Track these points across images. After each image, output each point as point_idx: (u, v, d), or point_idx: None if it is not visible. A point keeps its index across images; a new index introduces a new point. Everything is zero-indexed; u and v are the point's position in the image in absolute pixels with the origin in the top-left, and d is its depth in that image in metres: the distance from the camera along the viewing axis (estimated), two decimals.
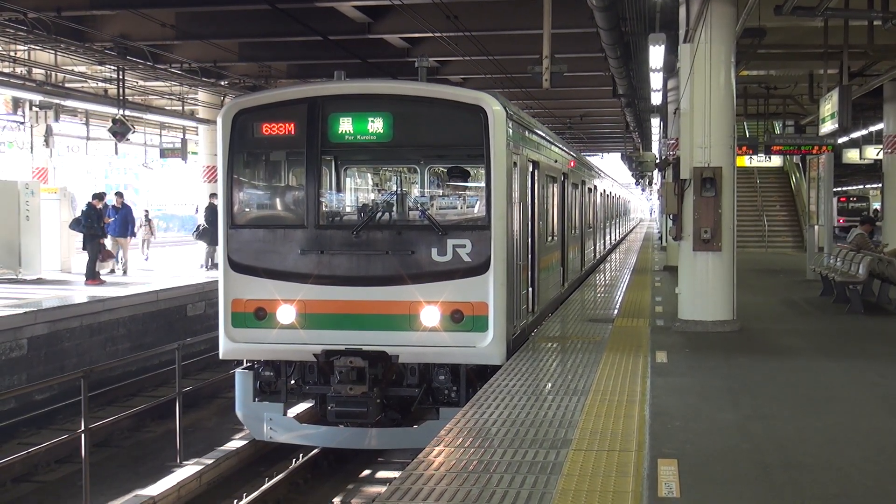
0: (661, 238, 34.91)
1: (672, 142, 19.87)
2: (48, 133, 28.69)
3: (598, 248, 25.76)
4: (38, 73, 25.68)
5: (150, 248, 30.36)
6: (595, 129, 46.16)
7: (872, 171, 42.14)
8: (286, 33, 21.00)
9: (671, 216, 13.76)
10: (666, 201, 13.76)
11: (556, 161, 15.56)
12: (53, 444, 10.49)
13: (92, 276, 20.73)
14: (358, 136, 10.66)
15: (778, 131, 36.18)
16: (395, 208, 11.47)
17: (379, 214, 10.93)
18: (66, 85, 27.36)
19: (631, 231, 56.27)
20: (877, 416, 8.36)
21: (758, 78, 26.90)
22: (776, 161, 34.50)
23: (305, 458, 11.54)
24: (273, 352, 10.75)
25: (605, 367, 10.09)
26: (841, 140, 26.48)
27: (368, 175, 13.30)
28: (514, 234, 11.03)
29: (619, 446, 6.95)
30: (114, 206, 23.89)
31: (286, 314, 10.58)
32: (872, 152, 32.16)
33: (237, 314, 10.76)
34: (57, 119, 29.19)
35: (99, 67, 25.37)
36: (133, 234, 24.90)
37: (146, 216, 31.20)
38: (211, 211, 23.43)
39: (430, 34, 19.78)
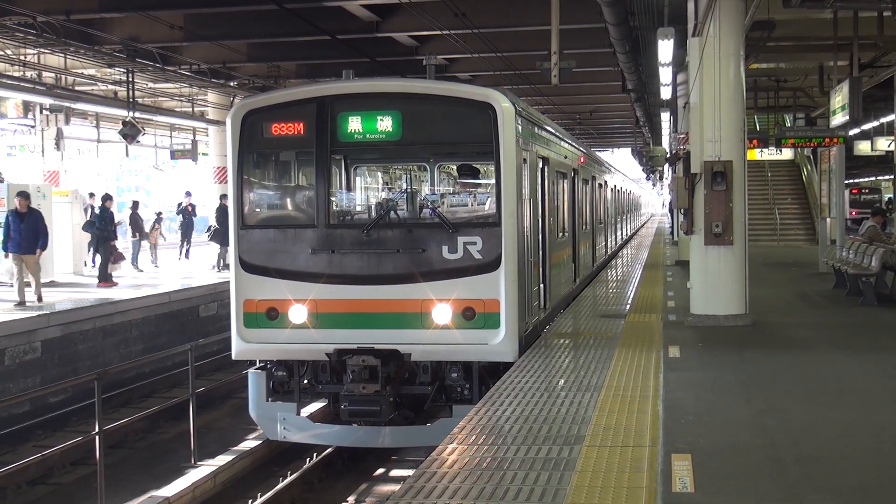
0: (672, 233, 34.83)
1: (682, 136, 19.80)
2: (59, 136, 28.80)
3: (609, 243, 25.71)
4: (47, 76, 25.77)
5: (158, 250, 27.83)
6: (605, 124, 46.12)
7: (884, 163, 41.98)
8: (294, 33, 21.04)
9: (682, 211, 13.73)
10: (677, 196, 13.72)
11: (565, 157, 15.53)
12: (68, 446, 10.52)
13: (104, 279, 20.79)
14: (367, 135, 10.66)
15: (788, 124, 36.02)
16: (405, 206, 11.46)
17: (389, 213, 10.93)
18: (76, 88, 27.47)
19: (642, 226, 56.12)
20: (891, 408, 8.32)
21: (767, 71, 26.82)
22: (787, 154, 34.37)
23: (319, 457, 11.55)
24: (285, 351, 10.77)
25: (618, 363, 10.07)
26: (852, 132, 26.29)
27: (378, 173, 13.30)
28: (524, 230, 11.00)
29: (632, 442, 6.93)
30: (15, 211, 17.25)
31: (298, 314, 10.59)
32: (884, 144, 32.00)
33: (249, 314, 10.78)
34: (67, 122, 29.31)
35: (108, 70, 25.50)
36: (44, 248, 17.89)
37: (158, 217, 30.52)
38: (222, 212, 23.46)
39: (439, 32, 19.81)
